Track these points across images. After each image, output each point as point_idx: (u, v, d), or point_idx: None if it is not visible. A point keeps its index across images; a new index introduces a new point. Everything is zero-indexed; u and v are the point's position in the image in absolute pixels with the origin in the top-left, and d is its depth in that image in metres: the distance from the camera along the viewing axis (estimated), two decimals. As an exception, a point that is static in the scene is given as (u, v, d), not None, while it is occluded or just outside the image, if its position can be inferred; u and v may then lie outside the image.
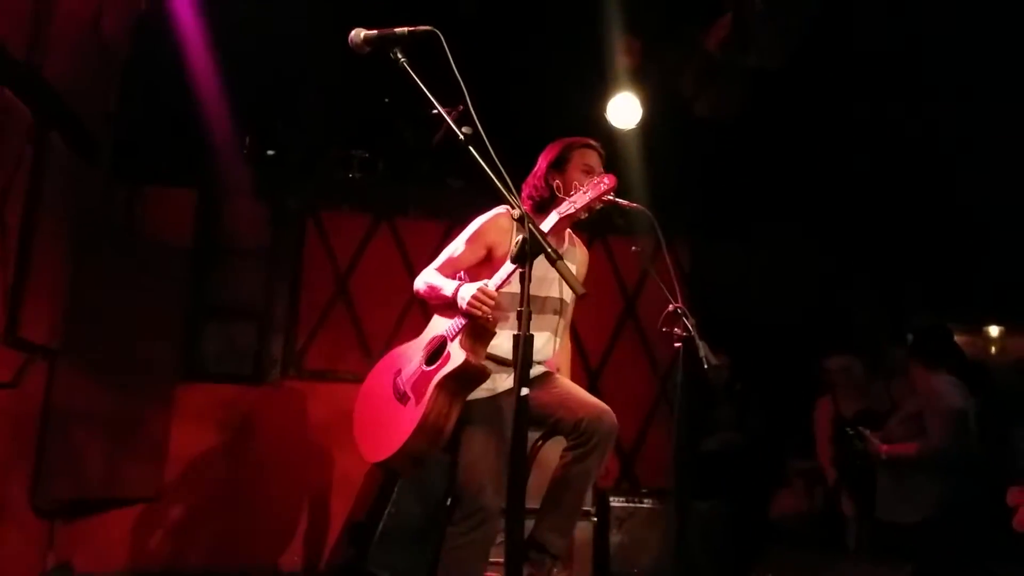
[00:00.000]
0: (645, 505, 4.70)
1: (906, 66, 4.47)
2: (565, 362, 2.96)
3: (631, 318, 5.54)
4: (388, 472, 4.52)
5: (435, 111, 1.97)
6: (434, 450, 2.54)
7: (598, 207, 2.69)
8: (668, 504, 4.61)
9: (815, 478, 4.79)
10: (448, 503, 2.60)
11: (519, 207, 1.90)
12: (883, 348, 4.54)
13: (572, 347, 5.32)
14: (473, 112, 1.96)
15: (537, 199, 2.80)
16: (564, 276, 1.90)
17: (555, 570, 2.60)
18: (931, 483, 3.92)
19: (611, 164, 4.04)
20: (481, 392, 2.58)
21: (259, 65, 4.67)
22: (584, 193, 2.50)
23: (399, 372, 2.64)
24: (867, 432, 4.08)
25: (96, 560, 4.32)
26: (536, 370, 2.71)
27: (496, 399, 2.55)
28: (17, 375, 3.33)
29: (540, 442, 2.87)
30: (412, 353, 2.67)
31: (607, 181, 2.51)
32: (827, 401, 4.68)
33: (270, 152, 5.13)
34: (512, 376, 2.56)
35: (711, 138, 5.05)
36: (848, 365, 4.54)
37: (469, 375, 2.49)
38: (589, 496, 4.31)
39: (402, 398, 2.58)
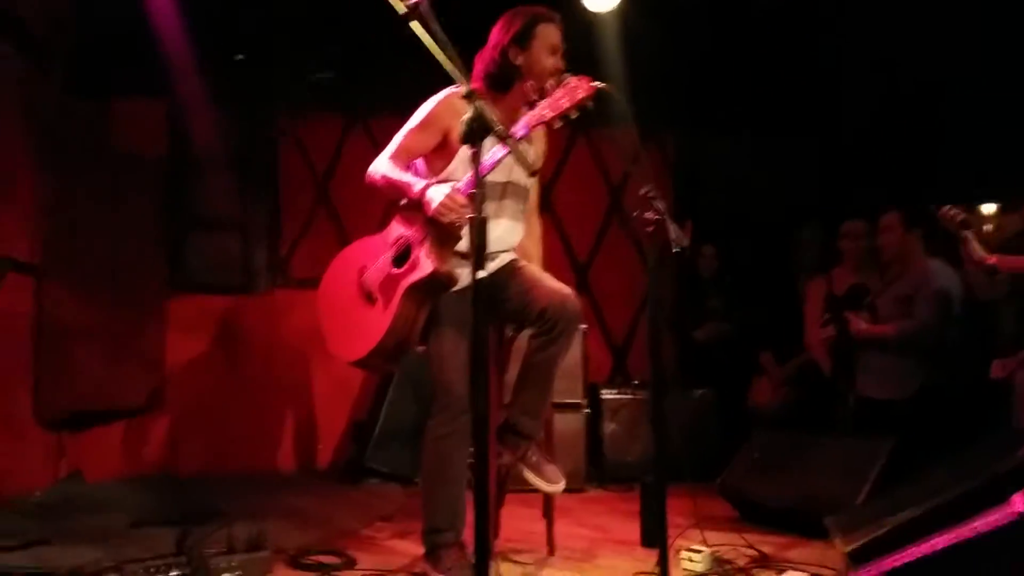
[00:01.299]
0: (637, 397, 4.77)
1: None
2: (535, 246, 2.87)
3: (617, 212, 5.50)
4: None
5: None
6: (405, 349, 2.54)
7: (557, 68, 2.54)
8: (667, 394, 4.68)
9: (783, 365, 4.83)
10: None
11: (466, 83, 1.82)
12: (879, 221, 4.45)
13: (558, 243, 5.38)
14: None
15: (497, 75, 2.58)
16: (517, 157, 1.84)
17: (530, 453, 2.63)
18: (910, 363, 3.98)
19: (588, 49, 3.87)
20: None
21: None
22: (559, 100, 2.34)
23: (363, 269, 2.59)
24: (852, 316, 4.12)
25: (103, 468, 4.42)
26: (502, 259, 2.66)
27: (464, 293, 2.46)
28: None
29: (513, 334, 2.87)
30: (377, 249, 2.60)
31: (585, 87, 2.34)
32: (821, 282, 4.66)
33: (239, 57, 4.95)
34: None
35: (696, 24, 4.85)
36: (861, 232, 4.50)
37: (436, 283, 2.46)
38: (579, 388, 4.41)
39: (369, 298, 2.55)
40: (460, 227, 2.39)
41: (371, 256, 2.60)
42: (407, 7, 1.84)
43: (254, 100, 5.01)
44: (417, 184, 2.47)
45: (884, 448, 3.27)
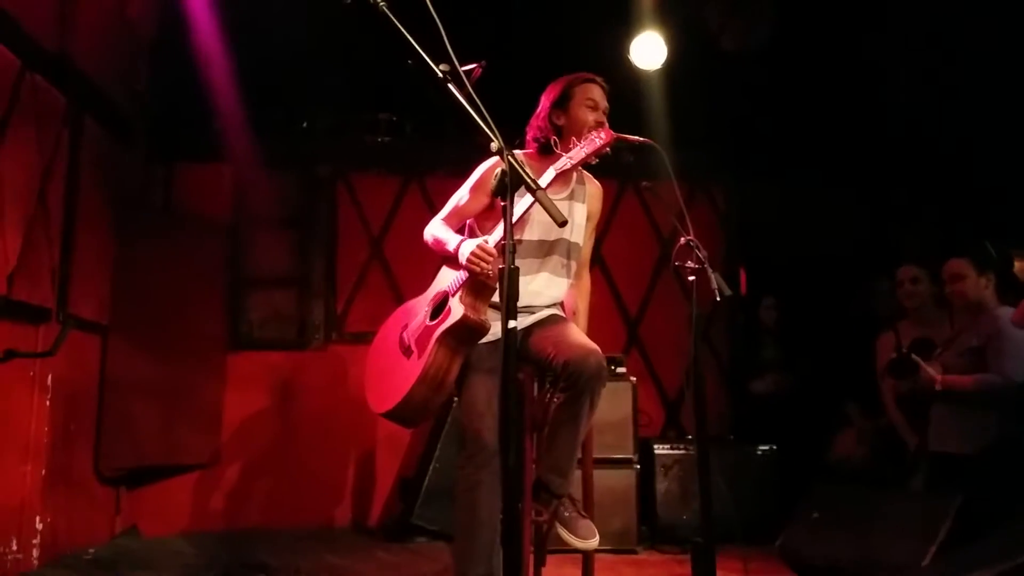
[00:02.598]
0: (690, 452, 4.65)
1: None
2: (583, 302, 2.90)
3: (667, 263, 5.47)
4: (433, 427, 4.63)
5: (410, 57, 1.94)
6: (437, 401, 2.56)
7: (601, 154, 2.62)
8: (718, 449, 4.56)
9: (873, 418, 4.65)
10: None
11: (498, 139, 1.88)
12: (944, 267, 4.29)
13: (608, 296, 5.37)
14: (451, 50, 1.93)
15: (542, 140, 2.75)
16: (545, 207, 1.87)
17: (562, 509, 2.60)
18: (986, 415, 3.78)
19: (637, 106, 3.96)
20: (484, 338, 2.58)
21: (284, 36, 4.70)
22: (580, 148, 2.46)
23: (406, 326, 2.67)
24: (921, 362, 3.93)
25: (160, 523, 4.53)
26: (541, 314, 2.70)
27: (497, 343, 2.41)
28: (56, 344, 3.50)
29: (550, 389, 2.86)
30: (419, 307, 2.69)
31: (603, 136, 2.46)
32: (889, 336, 4.52)
33: (304, 124, 5.21)
34: (525, 314, 2.63)
35: (741, 76, 4.89)
36: (918, 276, 4.34)
37: (468, 330, 2.50)
38: (630, 443, 4.33)
39: (407, 351, 2.61)
40: (492, 277, 2.44)
41: (414, 314, 2.69)
42: (441, 71, 1.92)
43: (314, 162, 5.23)
44: (454, 240, 2.57)
45: (952, 506, 3.10)
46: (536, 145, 2.76)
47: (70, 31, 3.79)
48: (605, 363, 2.53)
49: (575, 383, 2.47)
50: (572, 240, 2.75)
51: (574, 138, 2.63)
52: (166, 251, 4.54)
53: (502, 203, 1.89)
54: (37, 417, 3.58)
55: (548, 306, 2.73)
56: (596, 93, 2.74)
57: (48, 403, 3.62)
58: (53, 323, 3.64)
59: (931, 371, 3.85)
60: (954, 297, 4.04)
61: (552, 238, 2.69)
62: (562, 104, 2.73)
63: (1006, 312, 3.88)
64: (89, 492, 4.15)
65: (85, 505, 4.10)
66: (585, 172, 2.88)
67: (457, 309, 2.48)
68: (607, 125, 2.68)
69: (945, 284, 4.07)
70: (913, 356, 3.92)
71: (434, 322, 2.55)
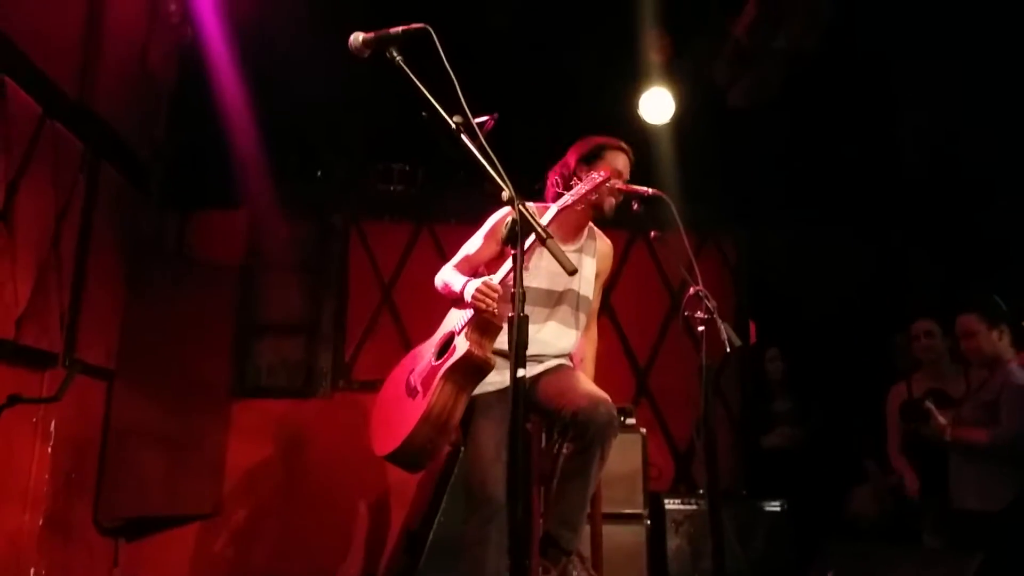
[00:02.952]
0: (702, 507, 4.56)
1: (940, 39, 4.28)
2: (591, 349, 2.91)
3: (677, 314, 5.44)
4: (439, 480, 4.56)
5: (424, 108, 1.97)
6: (441, 443, 2.53)
7: (613, 199, 2.76)
8: (730, 506, 4.48)
9: (890, 475, 4.57)
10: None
11: (509, 189, 1.90)
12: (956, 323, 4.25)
13: (617, 346, 5.34)
14: (464, 103, 1.96)
15: (562, 191, 2.78)
16: (554, 254, 1.87)
17: (571, 567, 2.53)
18: (1006, 473, 3.70)
19: (647, 160, 4.03)
20: (491, 386, 2.57)
21: (301, 86, 4.80)
22: (581, 185, 2.50)
23: (412, 370, 2.67)
24: (933, 408, 3.86)
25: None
26: (548, 364, 2.71)
27: (504, 392, 2.51)
28: (60, 389, 3.48)
29: (558, 440, 2.82)
30: (425, 350, 2.70)
31: (602, 173, 2.52)
32: (900, 388, 4.47)
33: (319, 173, 5.28)
34: (533, 363, 2.64)
35: (749, 128, 4.94)
36: (931, 330, 4.30)
37: (473, 366, 2.47)
38: (640, 497, 4.24)
39: (412, 392, 2.59)
40: (499, 316, 2.44)
41: (421, 357, 2.69)
42: (454, 123, 1.95)
43: (328, 209, 5.27)
44: (460, 281, 2.60)
45: (970, 565, 3.02)
46: (556, 192, 2.81)
47: (91, 79, 3.86)
48: (616, 413, 2.50)
49: (585, 433, 2.44)
50: (581, 293, 2.78)
51: (596, 198, 2.70)
52: (176, 297, 4.55)
53: (512, 251, 1.90)
54: (38, 464, 3.54)
55: (556, 356, 2.72)
56: (622, 163, 2.83)
57: (50, 450, 3.59)
58: (59, 368, 3.63)
59: (942, 420, 3.80)
60: (969, 353, 4.00)
61: (560, 288, 2.72)
62: (590, 162, 2.79)
63: (1017, 368, 3.83)
64: (87, 543, 4.08)
65: (82, 556, 4.02)
66: (596, 229, 2.95)
67: (462, 345, 2.47)
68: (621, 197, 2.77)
69: (959, 340, 4.03)
70: (927, 403, 3.87)
71: (439, 361, 2.55)
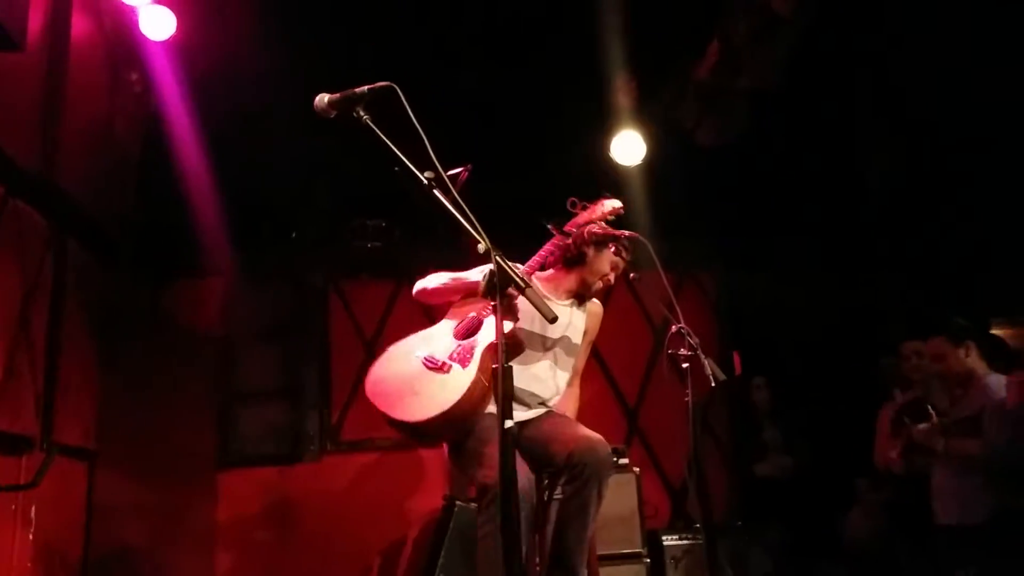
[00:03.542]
0: (700, 541, 4.52)
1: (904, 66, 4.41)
2: (572, 408, 2.93)
3: (662, 352, 5.44)
4: (435, 535, 4.48)
5: (396, 165, 1.99)
6: (470, 423, 2.53)
7: (602, 284, 2.88)
8: (726, 538, 4.45)
9: (880, 491, 4.56)
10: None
11: (485, 242, 1.91)
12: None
13: (606, 388, 5.34)
14: (434, 157, 1.98)
15: (566, 252, 2.87)
16: (534, 303, 1.88)
17: None
18: (989, 486, 3.72)
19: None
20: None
21: (269, 150, 4.80)
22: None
23: (429, 355, 2.60)
24: (934, 412, 3.88)
25: (152, 656, 4.31)
26: (537, 411, 2.72)
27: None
28: (38, 475, 3.39)
29: (548, 488, 2.79)
30: (430, 341, 2.67)
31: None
32: (889, 406, 4.50)
33: (293, 234, 5.26)
34: (522, 410, 2.66)
35: (720, 165, 5.02)
36: (920, 349, 4.36)
37: (513, 343, 2.57)
38: (637, 536, 4.19)
39: (442, 367, 2.56)
40: (515, 296, 2.44)
41: (423, 345, 2.65)
42: (426, 178, 1.97)
43: (305, 271, 5.24)
44: (475, 271, 2.66)
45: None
46: (559, 252, 2.85)
47: (53, 153, 3.76)
48: (611, 451, 2.51)
49: (581, 473, 2.44)
50: (574, 341, 2.83)
51: (588, 276, 2.86)
52: (153, 370, 4.50)
53: (491, 303, 1.90)
54: (19, 552, 3.43)
55: (551, 397, 2.76)
56: (623, 260, 2.90)
57: (31, 536, 3.48)
58: (36, 452, 3.53)
59: (936, 430, 3.83)
60: (943, 374, 4.08)
61: (555, 335, 2.76)
62: (601, 246, 2.86)
63: (995, 380, 3.89)
64: (75, 625, 3.96)
65: (71, 640, 3.90)
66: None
67: (505, 324, 2.29)
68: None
69: (934, 365, 4.12)
70: (929, 407, 3.89)
71: (471, 340, 2.59)
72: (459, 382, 2.50)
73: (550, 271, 2.94)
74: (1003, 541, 3.48)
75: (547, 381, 2.75)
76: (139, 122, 4.79)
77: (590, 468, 2.44)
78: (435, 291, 2.82)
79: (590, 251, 2.85)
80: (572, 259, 2.87)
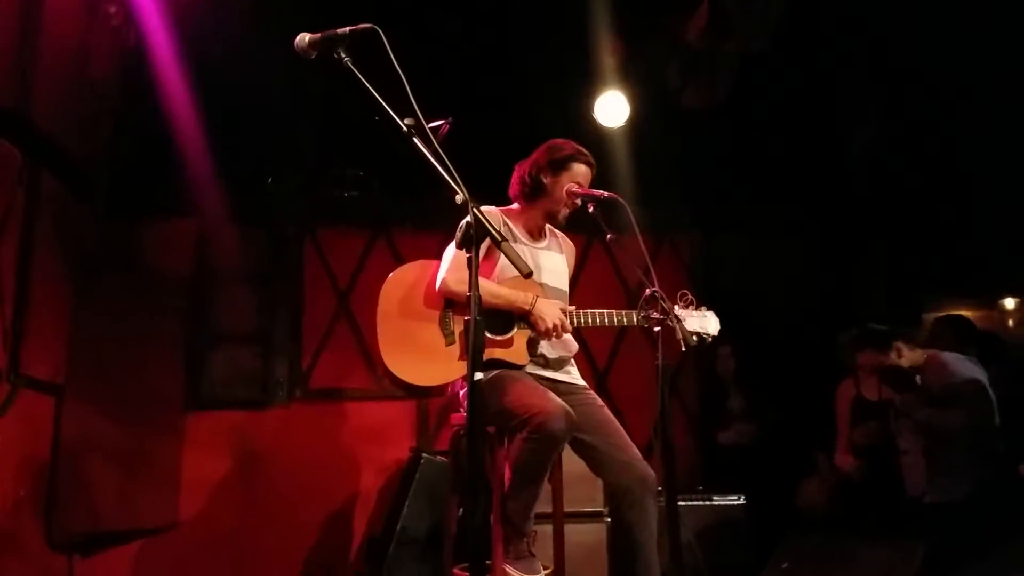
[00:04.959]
0: (661, 504, 4.60)
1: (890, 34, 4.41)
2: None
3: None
4: (400, 486, 4.54)
5: (376, 112, 1.96)
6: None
7: (567, 209, 2.90)
8: (687, 501, 4.54)
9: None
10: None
11: (463, 192, 1.90)
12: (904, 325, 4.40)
13: (579, 350, 5.37)
14: (415, 104, 1.96)
15: (526, 187, 2.93)
16: (509, 257, 1.89)
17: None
18: (964, 462, 3.83)
19: (602, 161, 4.08)
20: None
21: (250, 93, 4.73)
22: None
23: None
24: (918, 379, 3.98)
25: (116, 592, 4.35)
26: (572, 372, 2.92)
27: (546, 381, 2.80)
28: (3, 406, 3.37)
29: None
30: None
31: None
32: (849, 384, 4.59)
33: (269, 180, 5.20)
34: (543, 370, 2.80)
35: (702, 130, 5.02)
36: (875, 363, 4.43)
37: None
38: (599, 496, 4.26)
39: (450, 338, 2.70)
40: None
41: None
42: (406, 125, 1.95)
43: (280, 217, 5.19)
44: (523, 296, 2.70)
45: (918, 552, 3.12)
46: (518, 189, 2.94)
47: (28, 87, 3.71)
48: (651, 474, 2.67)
49: (628, 497, 2.65)
50: (564, 286, 2.95)
51: (551, 204, 2.89)
52: (125, 308, 4.45)
53: (467, 255, 1.90)
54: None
55: (571, 361, 2.92)
56: (584, 176, 2.91)
57: (-5, 468, 3.48)
58: (3, 384, 3.51)
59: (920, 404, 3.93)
60: (891, 379, 4.19)
61: (551, 283, 2.87)
62: (555, 169, 2.88)
63: (948, 357, 3.98)
64: (41, 561, 3.97)
65: (36, 574, 3.91)
66: (557, 231, 3.07)
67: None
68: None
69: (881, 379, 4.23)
70: (916, 376, 3.99)
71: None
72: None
73: (517, 207, 2.97)
74: (982, 516, 3.59)
75: (570, 340, 2.87)
76: (117, 57, 4.68)
77: (637, 494, 2.64)
78: (461, 296, 2.80)
79: (546, 178, 2.87)
80: (531, 190, 2.90)
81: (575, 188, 2.85)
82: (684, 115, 4.97)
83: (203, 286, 4.94)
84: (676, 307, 2.76)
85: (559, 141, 2.96)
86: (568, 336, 2.82)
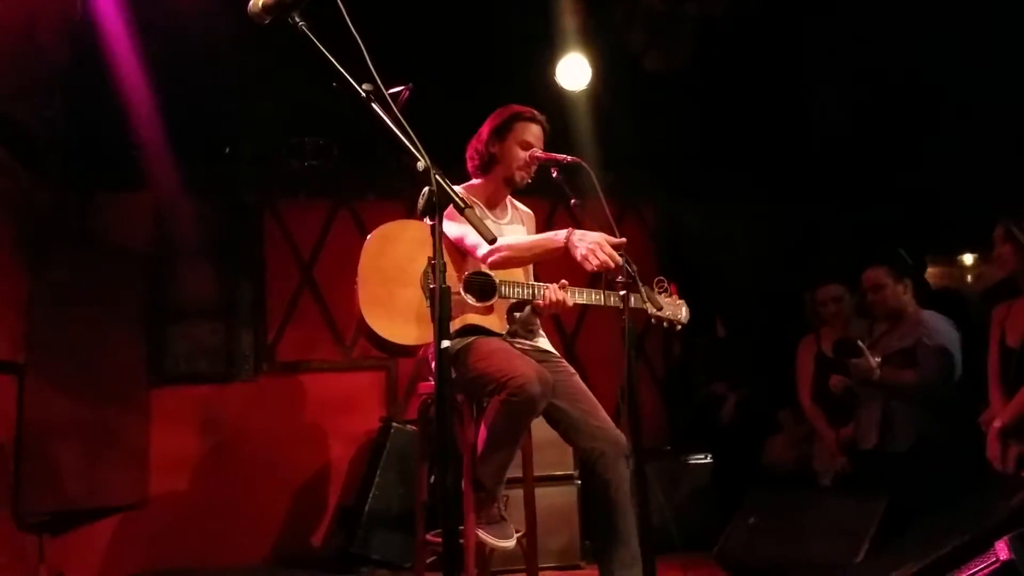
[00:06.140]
0: (631, 464, 4.67)
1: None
2: None
3: (601, 280, 5.52)
4: (371, 456, 4.55)
5: (333, 77, 1.92)
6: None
7: (524, 173, 2.90)
8: (655, 461, 4.62)
9: (803, 423, 4.78)
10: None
11: (425, 159, 1.88)
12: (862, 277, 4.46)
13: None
14: (373, 69, 1.91)
15: (478, 160, 2.95)
16: (474, 224, 1.88)
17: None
18: (914, 415, 3.93)
19: (564, 126, 4.05)
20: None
21: (205, 61, 4.59)
22: None
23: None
24: (864, 347, 4.04)
25: (87, 570, 4.32)
26: (545, 343, 2.96)
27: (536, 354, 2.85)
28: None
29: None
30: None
31: None
32: (810, 339, 4.67)
33: (227, 149, 5.08)
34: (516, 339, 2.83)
35: (665, 95, 5.01)
36: (839, 295, 4.51)
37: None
38: (570, 459, 4.32)
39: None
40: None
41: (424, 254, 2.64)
42: (364, 91, 1.91)
43: (239, 188, 5.10)
44: (556, 234, 2.69)
45: (879, 505, 3.22)
46: (472, 164, 2.96)
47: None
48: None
49: (602, 460, 2.67)
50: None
51: (504, 169, 2.88)
52: (83, 283, 4.34)
53: (430, 222, 1.88)
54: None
55: (540, 330, 2.95)
56: (533, 133, 2.90)
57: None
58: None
59: (872, 360, 3.98)
60: (875, 306, 4.21)
61: None
62: (500, 135, 2.90)
63: (929, 316, 4.07)
64: (10, 540, 3.91)
65: (6, 554, 3.86)
66: (514, 200, 3.09)
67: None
68: (534, 167, 2.89)
69: (866, 294, 4.24)
70: (860, 343, 4.05)
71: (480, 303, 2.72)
72: None
73: (477, 182, 2.98)
74: (922, 466, 3.70)
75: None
76: (65, 26, 4.52)
77: (610, 457, 2.68)
78: (515, 264, 2.80)
79: (493, 147, 2.89)
80: (484, 163, 2.93)
81: (538, 153, 2.85)
82: (648, 79, 4.94)
83: (162, 259, 4.85)
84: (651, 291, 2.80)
85: (501, 108, 2.97)
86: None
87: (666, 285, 2.89)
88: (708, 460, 4.77)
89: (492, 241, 1.95)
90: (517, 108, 2.94)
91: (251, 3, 2.00)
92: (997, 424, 3.30)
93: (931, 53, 4.47)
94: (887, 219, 5.06)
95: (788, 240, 5.46)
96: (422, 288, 2.69)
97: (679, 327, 2.90)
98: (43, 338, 4.11)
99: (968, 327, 4.10)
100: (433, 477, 3.36)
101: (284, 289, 5.09)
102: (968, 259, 5.77)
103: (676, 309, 2.88)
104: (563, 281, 2.77)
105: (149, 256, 4.80)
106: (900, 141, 4.99)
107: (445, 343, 1.75)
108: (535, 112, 2.94)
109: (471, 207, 1.87)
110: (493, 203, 2.98)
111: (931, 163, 4.89)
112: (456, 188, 2.79)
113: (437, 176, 1.84)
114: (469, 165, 3.00)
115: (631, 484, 2.67)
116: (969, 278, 5.76)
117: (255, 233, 5.08)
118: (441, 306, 1.76)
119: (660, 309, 2.72)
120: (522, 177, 2.91)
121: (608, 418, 2.76)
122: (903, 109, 4.88)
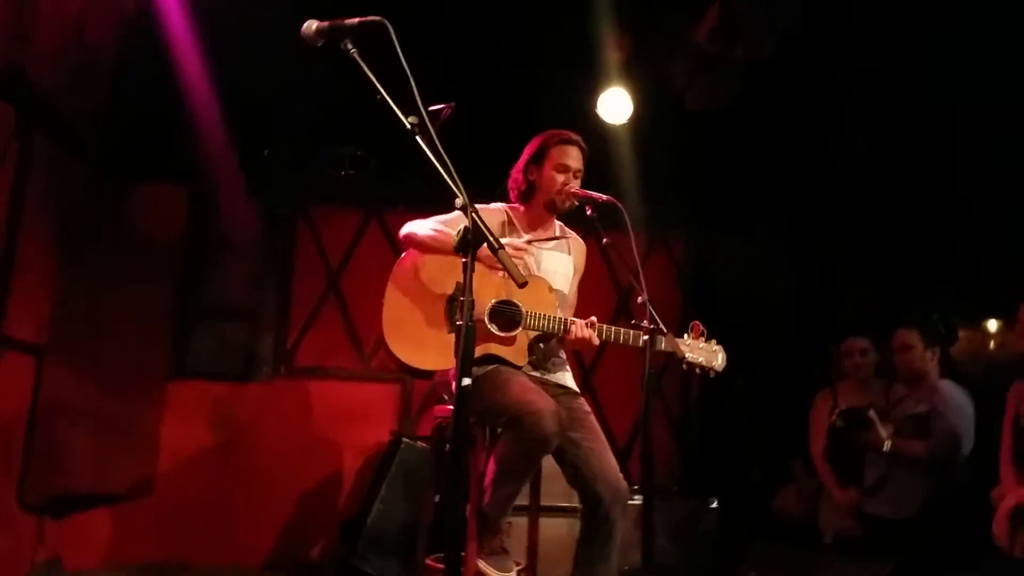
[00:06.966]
0: (635, 502, 4.62)
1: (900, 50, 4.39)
2: None
3: (624, 315, 5.51)
4: (379, 469, 4.55)
5: (379, 98, 1.95)
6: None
7: (568, 202, 2.89)
8: (663, 501, 4.57)
9: (813, 475, 4.72)
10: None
11: (463, 196, 1.89)
12: (888, 335, 4.41)
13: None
14: (420, 102, 1.94)
15: (518, 187, 2.97)
16: (505, 266, 1.88)
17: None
18: (923, 481, 3.88)
19: (603, 159, 4.07)
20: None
21: (250, 65, 4.65)
22: None
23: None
24: (876, 418, 4.00)
25: (86, 555, 4.34)
26: (564, 379, 2.88)
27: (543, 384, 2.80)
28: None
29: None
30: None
31: None
32: (827, 394, 4.62)
33: (265, 152, 5.14)
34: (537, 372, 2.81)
35: (704, 131, 5.00)
36: (865, 348, 4.47)
37: None
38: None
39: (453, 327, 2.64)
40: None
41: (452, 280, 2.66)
42: (410, 124, 1.93)
43: (275, 192, 5.15)
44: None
45: (884, 571, 3.16)
46: (514, 193, 2.97)
47: (25, 48, 3.71)
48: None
49: (604, 513, 2.61)
50: (567, 288, 2.96)
51: (543, 195, 2.89)
52: (113, 273, 4.41)
53: (463, 259, 1.89)
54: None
55: (566, 365, 2.91)
56: (571, 156, 2.89)
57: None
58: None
59: (883, 432, 3.94)
60: (901, 365, 4.17)
61: (564, 289, 2.90)
62: (537, 160, 2.90)
63: (946, 385, 4.02)
64: (10, 521, 3.94)
65: (4, 533, 3.89)
66: (567, 228, 3.09)
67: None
68: (576, 187, 2.87)
69: (894, 352, 4.20)
70: (870, 413, 4.01)
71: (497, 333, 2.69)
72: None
73: (521, 208, 2.98)
74: (927, 534, 3.65)
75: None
76: (115, 24, 4.61)
77: (609, 523, 2.62)
78: (420, 243, 2.79)
79: (532, 174, 2.90)
80: (524, 191, 2.94)
81: (574, 189, 2.84)
82: (687, 115, 4.94)
83: (192, 255, 4.91)
84: (686, 336, 2.78)
85: (538, 135, 2.98)
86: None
87: (702, 330, 2.83)
88: (714, 505, 4.72)
89: (522, 285, 1.95)
90: (552, 132, 2.95)
91: (305, 26, 2.04)
92: (1011, 503, 3.24)
93: (974, 109, 4.43)
94: (917, 266, 5.00)
95: (816, 285, 5.41)
96: (446, 315, 2.68)
97: (713, 374, 2.84)
98: (67, 322, 4.15)
99: (985, 397, 4.04)
100: (438, 496, 3.37)
101: (309, 294, 5.13)
102: (992, 325, 5.66)
103: (711, 356, 2.82)
104: (592, 319, 2.74)
105: (181, 250, 4.86)
106: (933, 199, 4.94)
107: (466, 381, 1.75)
108: (571, 134, 2.94)
109: (503, 248, 1.87)
110: (535, 227, 2.98)
111: (963, 226, 4.83)
112: (498, 205, 2.87)
113: (474, 215, 1.85)
114: (511, 196, 3.01)
115: (630, 529, 2.64)
116: (992, 344, 5.66)
117: (287, 237, 5.14)
118: (466, 344, 1.76)
119: (684, 356, 2.69)
120: (563, 201, 2.89)
121: (615, 463, 2.71)
122: (942, 163, 4.83)
